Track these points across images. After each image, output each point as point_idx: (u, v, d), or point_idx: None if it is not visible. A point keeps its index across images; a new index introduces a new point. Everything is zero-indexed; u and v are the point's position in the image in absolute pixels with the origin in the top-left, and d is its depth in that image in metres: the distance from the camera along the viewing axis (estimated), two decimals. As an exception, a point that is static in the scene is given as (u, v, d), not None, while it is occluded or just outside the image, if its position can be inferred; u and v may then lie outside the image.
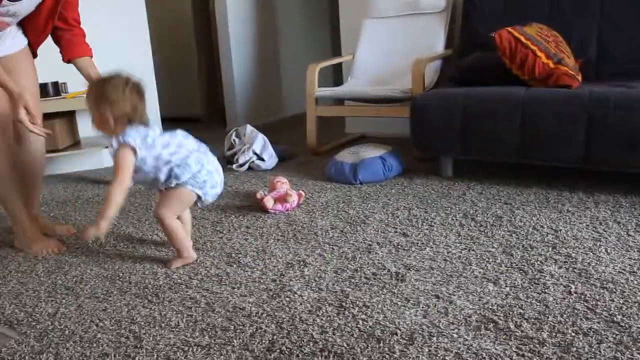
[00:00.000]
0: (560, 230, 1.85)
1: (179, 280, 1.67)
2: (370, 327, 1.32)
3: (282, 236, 1.98)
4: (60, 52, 2.07)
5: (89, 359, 1.29)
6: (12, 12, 1.85)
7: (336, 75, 4.92)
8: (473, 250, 1.73)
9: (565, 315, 1.31)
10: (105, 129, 1.72)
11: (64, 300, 1.60)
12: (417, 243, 1.82)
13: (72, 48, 2.05)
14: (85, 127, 3.22)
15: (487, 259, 1.66)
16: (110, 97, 1.67)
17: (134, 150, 1.67)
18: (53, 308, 1.56)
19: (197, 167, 1.75)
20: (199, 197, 1.80)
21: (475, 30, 3.00)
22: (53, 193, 2.86)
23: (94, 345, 1.35)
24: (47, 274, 1.81)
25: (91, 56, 2.09)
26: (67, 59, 2.06)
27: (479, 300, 1.41)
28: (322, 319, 1.37)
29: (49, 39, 2.06)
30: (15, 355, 1.33)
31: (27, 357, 1.32)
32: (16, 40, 1.98)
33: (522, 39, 2.42)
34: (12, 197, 1.97)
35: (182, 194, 1.76)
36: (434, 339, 1.25)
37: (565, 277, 1.51)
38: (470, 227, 1.94)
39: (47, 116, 2.64)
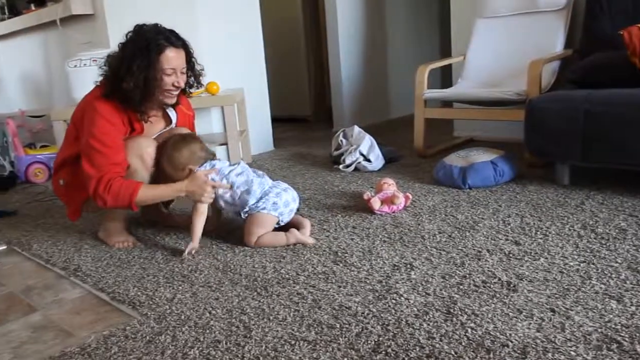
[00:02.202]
0: (696, 247, 1.68)
1: (287, 276, 1.71)
2: (479, 336, 1.28)
3: (389, 238, 1.97)
4: None
5: (202, 344, 1.36)
6: None
7: (444, 77, 4.82)
8: (593, 263, 1.62)
9: (702, 342, 1.19)
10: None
11: (180, 287, 1.70)
12: (531, 252, 1.74)
13: None
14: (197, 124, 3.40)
15: (609, 274, 1.54)
16: (181, 157, 1.99)
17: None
18: (171, 293, 1.66)
19: (260, 191, 1.99)
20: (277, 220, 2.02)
21: (600, 28, 2.81)
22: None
23: (207, 331, 1.42)
24: (166, 261, 1.94)
25: None
26: None
27: (600, 317, 1.32)
28: (429, 324, 1.35)
29: None
30: (137, 334, 1.44)
31: (147, 337, 1.42)
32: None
33: (656, 37, 2.23)
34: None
35: (259, 219, 1.98)
36: (549, 355, 1.19)
37: (702, 299, 1.37)
38: (590, 239, 1.81)
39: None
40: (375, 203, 2.22)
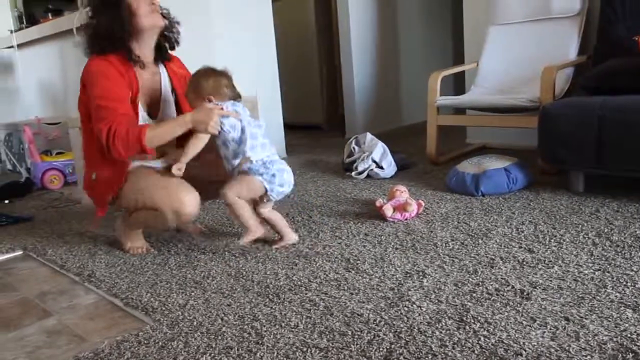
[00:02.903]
0: None
1: (299, 282, 1.71)
2: (492, 344, 1.27)
3: (401, 245, 1.96)
4: None
5: (214, 350, 1.36)
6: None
7: (457, 84, 4.81)
8: (608, 272, 1.60)
9: None
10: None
11: (193, 293, 1.71)
12: (544, 260, 1.72)
13: None
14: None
15: (624, 283, 1.52)
16: (207, 85, 1.94)
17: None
18: (183, 299, 1.67)
19: (265, 153, 1.95)
20: (265, 192, 1.96)
21: (615, 34, 2.79)
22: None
23: (219, 337, 1.42)
24: (179, 267, 1.95)
25: None
26: None
27: (616, 326, 1.30)
28: (441, 332, 1.34)
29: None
30: (150, 340, 1.44)
31: (160, 343, 1.42)
32: None
33: (671, 43, 2.21)
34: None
35: (250, 181, 1.94)
36: (564, 363, 1.17)
37: None
38: (605, 246, 1.79)
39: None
40: (388, 210, 2.22)
